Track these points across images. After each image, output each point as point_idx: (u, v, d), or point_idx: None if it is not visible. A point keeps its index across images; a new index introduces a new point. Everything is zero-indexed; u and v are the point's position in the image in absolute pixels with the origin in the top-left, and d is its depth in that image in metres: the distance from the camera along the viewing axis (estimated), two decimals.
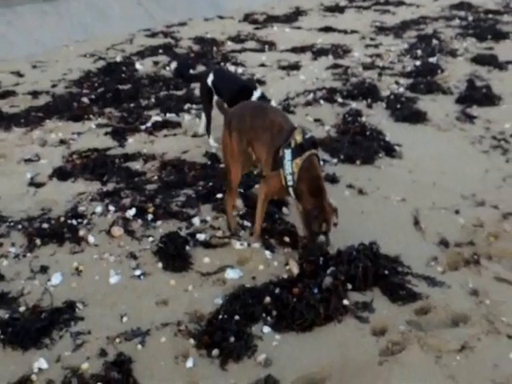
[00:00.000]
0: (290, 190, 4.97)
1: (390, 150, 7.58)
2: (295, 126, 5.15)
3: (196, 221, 5.87)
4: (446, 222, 5.89)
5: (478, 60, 11.75)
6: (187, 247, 5.38)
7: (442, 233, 5.67)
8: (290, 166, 4.88)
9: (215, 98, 7.32)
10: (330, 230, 4.90)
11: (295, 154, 4.87)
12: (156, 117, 8.84)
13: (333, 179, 6.77)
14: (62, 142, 8.00)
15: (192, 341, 4.22)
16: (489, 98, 9.53)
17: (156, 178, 6.86)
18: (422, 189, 6.61)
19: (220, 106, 6.82)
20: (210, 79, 7.36)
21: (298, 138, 4.93)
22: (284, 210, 6.02)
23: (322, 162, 5.30)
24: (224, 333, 4.19)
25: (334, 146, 7.72)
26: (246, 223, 5.76)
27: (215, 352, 4.09)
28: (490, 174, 7.04)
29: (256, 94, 7.01)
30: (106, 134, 8.24)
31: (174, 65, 8.70)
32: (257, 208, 5.33)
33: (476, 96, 9.54)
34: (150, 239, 5.56)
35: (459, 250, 5.40)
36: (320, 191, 4.89)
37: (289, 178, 4.91)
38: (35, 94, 9.91)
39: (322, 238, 4.86)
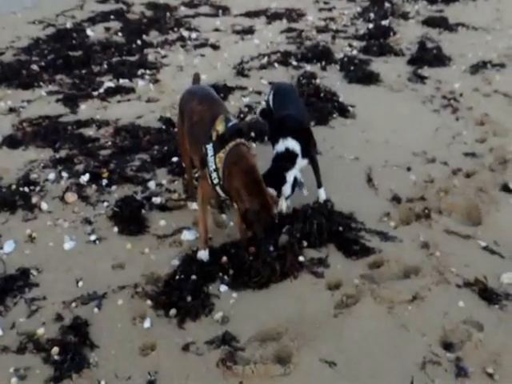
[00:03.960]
0: (218, 188, 4.45)
1: (343, 111, 7.64)
2: (218, 114, 4.54)
3: (151, 184, 5.86)
4: (398, 179, 5.99)
5: (429, 22, 11.96)
6: (143, 211, 5.37)
7: (394, 189, 5.76)
8: (213, 162, 4.36)
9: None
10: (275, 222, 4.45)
11: (217, 148, 4.36)
12: (109, 83, 8.73)
13: None
14: (12, 110, 7.85)
15: (149, 302, 4.23)
16: (439, 59, 9.68)
17: (110, 143, 6.80)
18: (375, 147, 6.69)
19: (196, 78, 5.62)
20: (270, 97, 5.91)
21: (220, 127, 4.41)
22: None
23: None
24: (181, 292, 4.21)
25: None
26: None
27: (172, 312, 4.12)
28: (440, 132, 7.15)
29: (282, 144, 5.14)
30: (58, 101, 8.11)
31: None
32: (197, 214, 4.80)
33: (427, 57, 9.69)
34: (105, 204, 5.53)
35: (411, 205, 5.49)
36: (256, 184, 4.28)
37: (213, 175, 4.37)
38: None
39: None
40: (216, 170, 4.37)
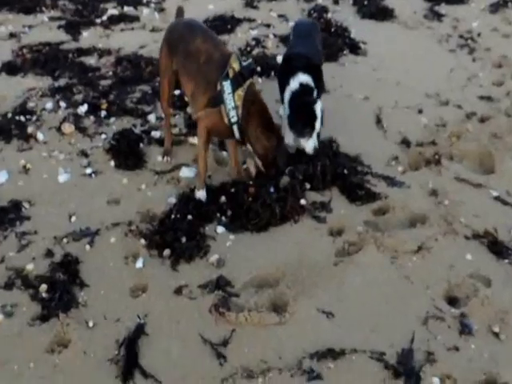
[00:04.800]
0: (235, 127, 4.26)
1: (354, 48, 7.30)
2: (229, 52, 4.42)
3: (151, 118, 5.63)
4: (409, 122, 5.72)
5: None
6: (141, 145, 5.16)
7: (403, 132, 5.51)
8: (232, 100, 4.18)
9: None
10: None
11: (235, 85, 4.19)
12: (113, 10, 8.40)
13: None
14: (12, 35, 7.58)
15: (143, 241, 4.07)
16: None
17: (111, 73, 6.54)
18: (386, 87, 6.40)
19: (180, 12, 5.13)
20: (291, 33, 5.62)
21: (236, 65, 4.21)
22: None
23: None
24: (176, 233, 4.05)
25: None
26: None
27: (166, 252, 3.96)
28: (455, 73, 6.84)
29: (294, 81, 4.82)
30: (60, 27, 7.81)
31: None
32: (197, 152, 4.58)
33: None
34: (103, 136, 5.32)
35: (421, 149, 5.26)
36: (271, 124, 4.31)
37: (232, 113, 4.20)
38: None
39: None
40: (235, 107, 4.19)
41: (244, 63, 4.29)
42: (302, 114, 4.66)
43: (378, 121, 5.72)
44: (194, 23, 4.75)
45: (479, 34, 7.83)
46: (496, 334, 3.45)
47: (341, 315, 3.55)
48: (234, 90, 4.17)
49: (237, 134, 4.31)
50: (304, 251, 4.04)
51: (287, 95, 4.81)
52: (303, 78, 4.78)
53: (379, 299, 3.68)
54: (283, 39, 7.43)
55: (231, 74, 4.18)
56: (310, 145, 4.69)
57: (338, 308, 3.59)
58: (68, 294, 3.61)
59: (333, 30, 7.63)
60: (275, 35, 7.63)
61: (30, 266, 3.84)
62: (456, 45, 7.59)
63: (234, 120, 4.22)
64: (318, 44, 5.46)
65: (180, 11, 5.03)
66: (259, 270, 3.86)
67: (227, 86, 4.18)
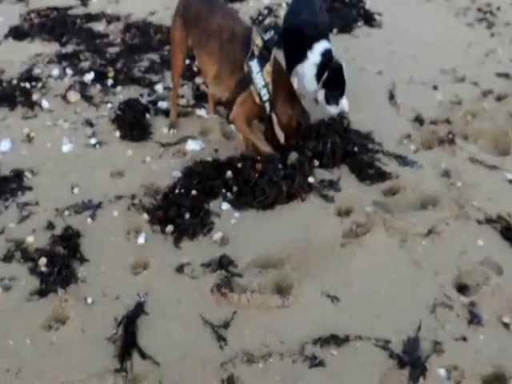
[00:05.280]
0: (267, 104, 4.26)
1: (369, 19, 7.11)
2: (249, 27, 4.33)
3: (159, 87, 5.52)
4: (423, 98, 5.56)
5: None
6: (147, 115, 5.04)
7: (417, 109, 5.35)
8: (262, 78, 4.14)
9: None
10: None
11: (263, 62, 4.13)
12: None
13: None
14: None
15: (145, 216, 3.97)
16: None
17: (119, 40, 6.41)
18: (401, 61, 6.22)
19: None
20: None
21: (259, 41, 4.12)
22: None
23: None
24: (179, 208, 3.95)
25: None
26: None
27: (169, 228, 3.86)
28: (472, 48, 6.64)
29: (312, 57, 4.80)
30: None
31: None
32: (249, 139, 4.55)
33: None
34: (109, 106, 5.22)
35: (434, 127, 5.09)
36: (294, 92, 4.39)
37: (263, 91, 4.17)
38: None
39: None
40: (266, 85, 4.15)
41: (266, 36, 4.18)
42: (337, 83, 4.76)
43: (392, 97, 5.56)
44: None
45: (498, 8, 7.61)
46: (506, 325, 3.32)
47: (346, 300, 3.44)
48: (262, 68, 4.12)
49: (267, 110, 4.30)
50: (310, 231, 3.92)
51: (310, 69, 4.77)
52: (322, 45, 4.72)
53: (386, 284, 3.57)
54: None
55: (257, 52, 4.10)
56: (343, 106, 4.94)
57: (343, 292, 3.48)
58: (67, 268, 3.52)
59: (347, 0, 7.41)
60: (287, 4, 7.41)
61: (30, 239, 3.76)
62: (474, 18, 7.39)
63: (265, 98, 4.19)
64: (323, 9, 5.28)
65: None
66: (264, 249, 3.75)
67: (255, 65, 4.12)
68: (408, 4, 7.73)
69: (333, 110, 4.89)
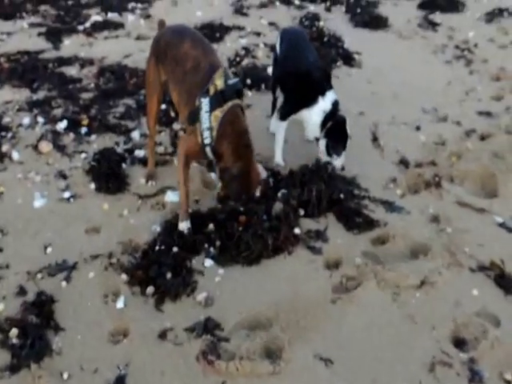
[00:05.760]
0: (208, 149, 3.88)
1: (348, 59, 7.05)
2: (217, 65, 4.00)
3: (135, 135, 5.33)
4: (406, 139, 5.48)
5: None
6: (124, 165, 4.84)
7: (401, 151, 5.26)
8: (208, 120, 3.80)
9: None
10: (254, 197, 4.07)
11: (214, 104, 3.80)
12: (96, 16, 8.14)
13: None
14: None
15: (124, 276, 3.74)
16: (452, 4, 9.07)
17: (93, 85, 6.22)
18: (382, 101, 6.15)
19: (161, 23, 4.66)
20: (277, 43, 5.26)
21: (219, 82, 3.84)
22: None
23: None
24: (160, 267, 3.72)
25: None
26: None
27: (150, 290, 3.63)
28: (452, 86, 6.62)
29: (322, 104, 4.66)
30: (40, 34, 7.56)
31: None
32: (177, 178, 4.18)
33: (439, 1, 9.04)
34: (83, 156, 5.01)
35: (420, 170, 4.99)
36: (246, 152, 3.84)
37: (206, 134, 3.81)
38: None
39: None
40: (210, 128, 3.81)
41: (230, 81, 3.90)
42: (341, 135, 4.66)
43: (375, 138, 5.46)
44: (183, 27, 4.43)
45: (476, 45, 7.64)
46: (508, 383, 3.16)
47: (340, 362, 3.24)
48: (211, 110, 3.80)
49: (210, 156, 3.94)
50: (299, 287, 3.73)
51: (317, 115, 4.65)
52: (333, 95, 4.65)
53: (381, 343, 3.38)
54: (274, 48, 7.12)
55: (211, 92, 3.83)
56: (341, 161, 4.76)
57: (336, 354, 3.28)
58: (41, 340, 3.25)
59: (326, 39, 7.41)
60: (266, 44, 7.39)
61: (0, 306, 3.50)
62: (452, 56, 7.41)
63: (206, 141, 3.84)
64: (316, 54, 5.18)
65: (162, 24, 4.64)
66: (251, 309, 3.55)
67: (205, 103, 3.82)
68: (385, 41, 7.71)
69: (335, 162, 4.75)
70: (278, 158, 4.95)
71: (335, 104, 4.64)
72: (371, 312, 3.58)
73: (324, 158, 4.77)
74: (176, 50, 4.12)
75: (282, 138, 4.93)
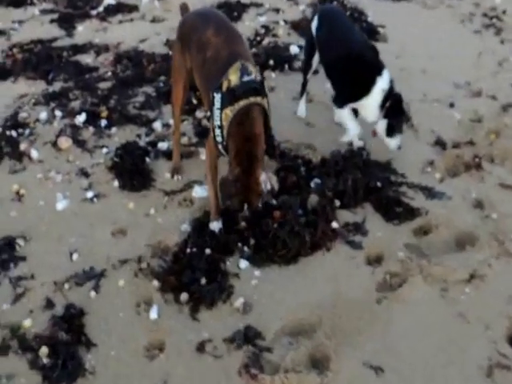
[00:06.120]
0: (220, 148, 3.62)
1: (373, 33, 6.74)
2: (238, 55, 3.61)
3: (157, 125, 5.10)
4: (441, 118, 5.22)
5: None
6: (147, 159, 4.62)
7: (437, 131, 5.00)
8: (219, 117, 3.50)
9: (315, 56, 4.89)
10: (253, 208, 3.58)
11: (225, 102, 3.48)
12: (109, 0, 7.76)
13: None
14: (1, 32, 7.02)
15: (156, 282, 3.53)
16: None
17: (110, 73, 5.98)
18: (411, 77, 5.83)
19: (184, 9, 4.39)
20: (313, 24, 4.80)
21: (233, 77, 3.49)
22: None
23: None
24: (193, 272, 3.51)
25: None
26: None
27: (184, 297, 3.42)
28: (484, 57, 6.32)
29: (380, 83, 4.39)
30: (52, 21, 7.30)
31: None
32: (206, 175, 3.99)
33: None
34: (104, 151, 4.79)
35: (458, 151, 4.74)
36: (248, 158, 3.43)
37: (217, 132, 3.54)
38: None
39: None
40: (220, 127, 3.52)
41: (246, 77, 3.51)
42: (400, 112, 4.45)
43: (407, 118, 5.14)
44: (208, 11, 4.22)
45: (504, 12, 7.31)
46: None
47: (391, 370, 3.03)
48: (222, 107, 3.50)
49: (224, 154, 3.67)
50: (341, 287, 3.52)
51: (377, 96, 4.35)
52: (387, 72, 4.38)
53: (432, 345, 3.17)
54: (295, 25, 6.86)
55: (224, 88, 3.51)
56: (398, 141, 4.54)
57: (386, 360, 3.07)
58: (73, 358, 3.06)
59: (348, 13, 7.04)
60: (286, 21, 7.07)
61: (27, 322, 3.29)
62: (481, 24, 7.09)
63: (218, 139, 3.57)
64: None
65: (184, 8, 4.38)
66: (292, 313, 3.34)
67: (217, 99, 3.53)
68: (410, 13, 7.39)
69: (392, 143, 4.52)
70: (356, 141, 4.69)
71: (391, 81, 4.39)
72: (419, 311, 3.37)
73: (385, 139, 4.53)
74: (199, 35, 3.83)
75: (353, 120, 4.63)
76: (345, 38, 4.57)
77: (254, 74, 3.59)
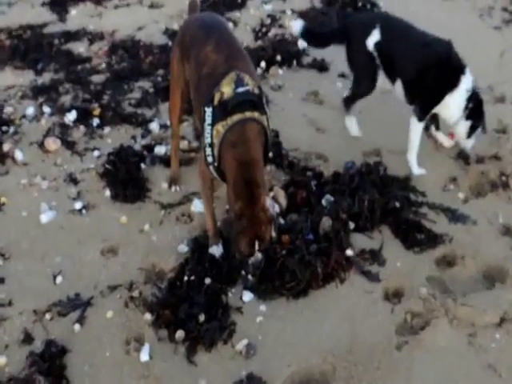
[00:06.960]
0: (212, 169, 3.19)
1: None
2: (234, 69, 3.17)
3: (154, 126, 4.69)
4: None
5: None
6: (143, 166, 4.21)
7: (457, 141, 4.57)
8: (210, 134, 3.09)
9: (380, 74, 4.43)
10: (267, 246, 3.10)
11: (217, 117, 3.07)
12: None
13: (321, 67, 5.58)
14: None
15: (148, 316, 3.13)
16: None
17: (104, 65, 5.56)
18: None
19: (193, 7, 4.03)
20: (371, 40, 4.29)
21: (226, 89, 3.08)
22: None
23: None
24: (191, 306, 3.12)
25: (320, 19, 6.43)
26: None
27: (179, 334, 3.03)
28: (506, 57, 5.90)
29: (465, 83, 4.12)
30: (43, 4, 6.90)
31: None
32: (203, 201, 3.59)
33: None
34: (96, 154, 4.40)
35: (482, 167, 4.35)
36: (248, 186, 2.98)
37: (207, 151, 3.12)
38: None
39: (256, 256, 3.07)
40: (211, 145, 3.10)
41: (240, 88, 3.09)
42: (482, 113, 4.24)
43: (426, 127, 4.73)
44: (212, 21, 3.66)
45: None
46: None
47: None
48: (213, 123, 3.09)
49: (216, 176, 3.25)
50: (356, 327, 3.14)
51: (461, 96, 4.11)
52: (471, 73, 4.15)
53: None
54: (303, 15, 6.40)
55: (216, 101, 3.09)
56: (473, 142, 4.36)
57: None
58: None
59: (360, 4, 6.73)
60: (293, 11, 6.62)
61: (1, 360, 2.92)
62: (501, 20, 6.70)
63: (209, 160, 3.15)
64: None
65: (193, 6, 3.95)
66: (300, 360, 2.96)
67: (208, 114, 3.11)
68: (425, 4, 6.94)
69: (469, 144, 4.35)
70: (415, 168, 4.29)
71: (474, 81, 4.14)
72: (445, 360, 2.99)
73: (463, 141, 4.35)
74: (198, 49, 3.41)
75: (418, 142, 4.30)
76: (416, 41, 4.25)
77: (252, 85, 3.14)
